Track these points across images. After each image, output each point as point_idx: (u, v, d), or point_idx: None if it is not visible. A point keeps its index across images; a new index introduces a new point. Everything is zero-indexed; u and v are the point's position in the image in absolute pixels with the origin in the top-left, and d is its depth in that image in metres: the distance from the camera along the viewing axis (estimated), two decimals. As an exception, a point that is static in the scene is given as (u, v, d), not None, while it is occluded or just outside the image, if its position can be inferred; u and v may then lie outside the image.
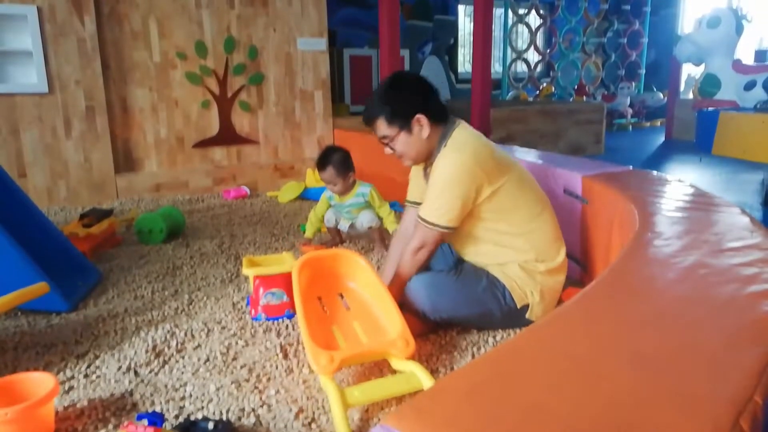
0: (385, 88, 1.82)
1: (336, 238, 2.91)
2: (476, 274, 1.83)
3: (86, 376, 1.59)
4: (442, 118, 1.81)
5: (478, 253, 1.89)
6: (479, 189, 1.73)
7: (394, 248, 2.09)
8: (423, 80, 1.84)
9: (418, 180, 2.01)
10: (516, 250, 1.81)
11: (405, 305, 1.79)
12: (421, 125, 1.77)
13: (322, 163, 2.71)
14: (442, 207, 1.73)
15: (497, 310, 1.78)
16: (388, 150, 1.85)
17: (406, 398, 1.41)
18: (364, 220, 2.73)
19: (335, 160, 2.69)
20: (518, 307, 1.79)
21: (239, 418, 1.37)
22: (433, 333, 1.81)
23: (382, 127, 1.79)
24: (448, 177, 1.72)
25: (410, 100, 1.77)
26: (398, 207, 3.70)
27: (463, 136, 1.78)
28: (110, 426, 1.36)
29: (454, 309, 1.77)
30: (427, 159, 1.87)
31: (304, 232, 2.95)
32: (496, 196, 1.75)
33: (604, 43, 10.01)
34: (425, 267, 2.05)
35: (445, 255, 2.05)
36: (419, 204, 2.00)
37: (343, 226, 2.82)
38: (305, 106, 4.69)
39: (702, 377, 0.77)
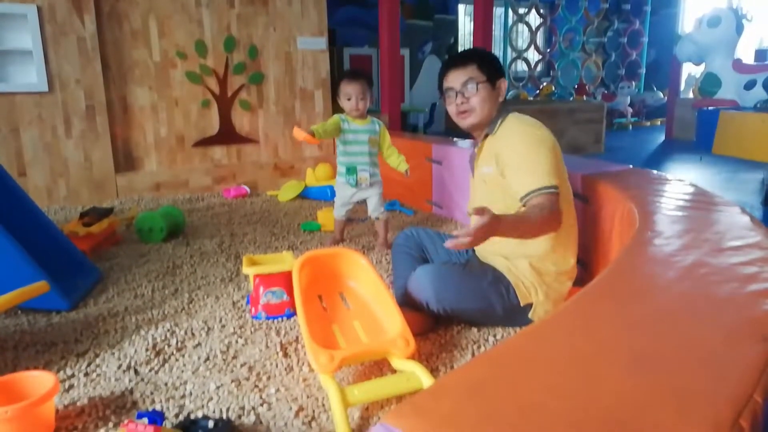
0: (483, 49, 1.91)
1: (338, 236, 2.91)
2: (482, 269, 1.83)
3: (86, 374, 1.59)
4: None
5: (495, 240, 1.85)
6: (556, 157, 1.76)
7: None
8: None
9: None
10: (535, 246, 1.78)
11: (406, 302, 1.79)
12: (501, 90, 1.85)
13: (354, 74, 2.68)
14: (540, 166, 1.70)
15: (500, 306, 1.78)
16: (458, 99, 1.82)
17: (406, 397, 1.41)
18: (376, 202, 2.74)
19: (367, 75, 2.69)
20: (521, 305, 1.78)
21: (239, 417, 1.37)
22: (434, 332, 1.82)
23: (473, 69, 1.80)
24: (527, 141, 1.75)
25: (500, 66, 1.89)
26: (398, 206, 3.71)
27: (525, 117, 1.85)
28: (110, 424, 1.36)
29: (457, 300, 1.76)
30: (484, 128, 1.87)
31: (304, 231, 2.94)
32: None
33: (605, 43, 10.02)
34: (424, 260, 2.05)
35: (451, 252, 2.04)
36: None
37: (352, 180, 2.74)
38: (305, 106, 4.69)
39: (702, 376, 0.77)
